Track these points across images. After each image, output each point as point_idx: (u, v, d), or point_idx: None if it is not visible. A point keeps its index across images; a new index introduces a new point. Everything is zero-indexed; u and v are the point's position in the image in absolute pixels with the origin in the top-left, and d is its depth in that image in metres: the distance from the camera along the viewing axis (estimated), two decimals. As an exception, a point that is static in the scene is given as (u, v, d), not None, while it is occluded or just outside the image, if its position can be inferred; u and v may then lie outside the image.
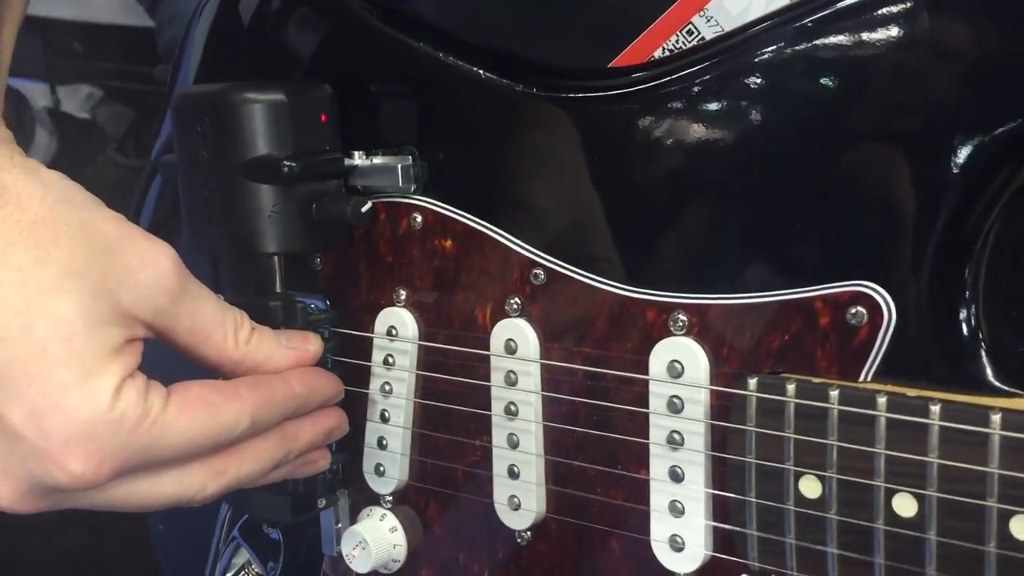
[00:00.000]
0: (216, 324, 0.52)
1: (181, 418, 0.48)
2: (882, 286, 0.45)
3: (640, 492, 0.53)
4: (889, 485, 0.44)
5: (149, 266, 0.48)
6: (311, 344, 0.57)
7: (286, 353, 0.55)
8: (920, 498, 0.43)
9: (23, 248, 0.46)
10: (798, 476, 0.47)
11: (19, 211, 0.46)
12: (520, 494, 0.58)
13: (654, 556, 0.53)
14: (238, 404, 0.51)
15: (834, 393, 0.45)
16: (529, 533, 0.58)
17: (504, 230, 0.57)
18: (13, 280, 0.45)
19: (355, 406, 0.63)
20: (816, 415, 0.46)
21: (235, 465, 0.52)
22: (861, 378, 0.46)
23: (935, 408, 0.43)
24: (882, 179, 0.45)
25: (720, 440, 0.50)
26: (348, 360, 0.64)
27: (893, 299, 0.45)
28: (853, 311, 0.46)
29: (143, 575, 0.84)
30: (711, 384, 0.50)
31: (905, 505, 0.44)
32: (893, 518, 0.44)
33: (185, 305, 0.50)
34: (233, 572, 0.76)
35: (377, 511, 0.65)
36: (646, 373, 0.52)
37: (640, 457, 0.53)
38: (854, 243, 0.46)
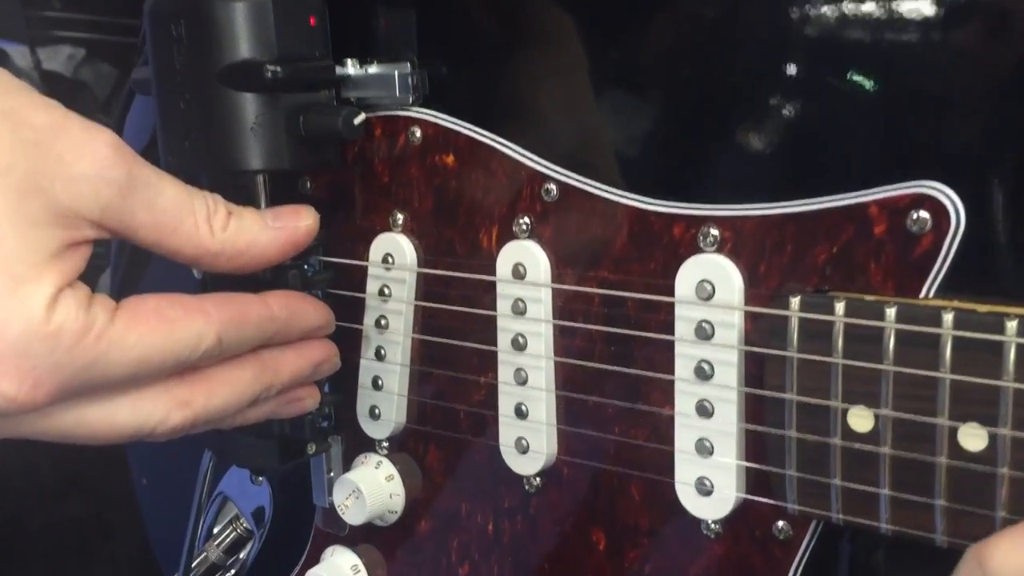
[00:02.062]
0: (183, 212, 0.45)
1: (130, 332, 0.43)
2: (950, 186, 0.39)
3: (663, 430, 0.47)
4: (954, 416, 0.38)
5: (87, 156, 0.42)
6: (303, 219, 0.50)
7: (273, 234, 0.49)
8: (992, 431, 0.38)
9: None
10: (846, 408, 0.41)
11: None
12: (528, 435, 0.52)
13: (678, 501, 0.47)
14: (201, 319, 0.45)
15: (891, 311, 0.39)
16: (538, 479, 0.53)
17: (512, 142, 0.51)
18: None
19: (348, 343, 0.57)
20: (869, 337, 0.40)
21: (204, 395, 0.47)
22: (922, 294, 0.40)
23: (1011, 324, 0.37)
24: (953, 58, 0.39)
25: (755, 369, 0.44)
26: (340, 292, 0.58)
27: (962, 201, 0.39)
28: (914, 216, 0.40)
29: (144, 544, 0.79)
30: (746, 306, 0.44)
31: (973, 438, 0.38)
32: (958, 453, 0.38)
33: (138, 196, 0.44)
34: (221, 527, 0.72)
35: (372, 458, 0.60)
36: (671, 296, 0.46)
37: (664, 391, 0.47)
38: (916, 137, 0.40)
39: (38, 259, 0.41)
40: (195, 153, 0.55)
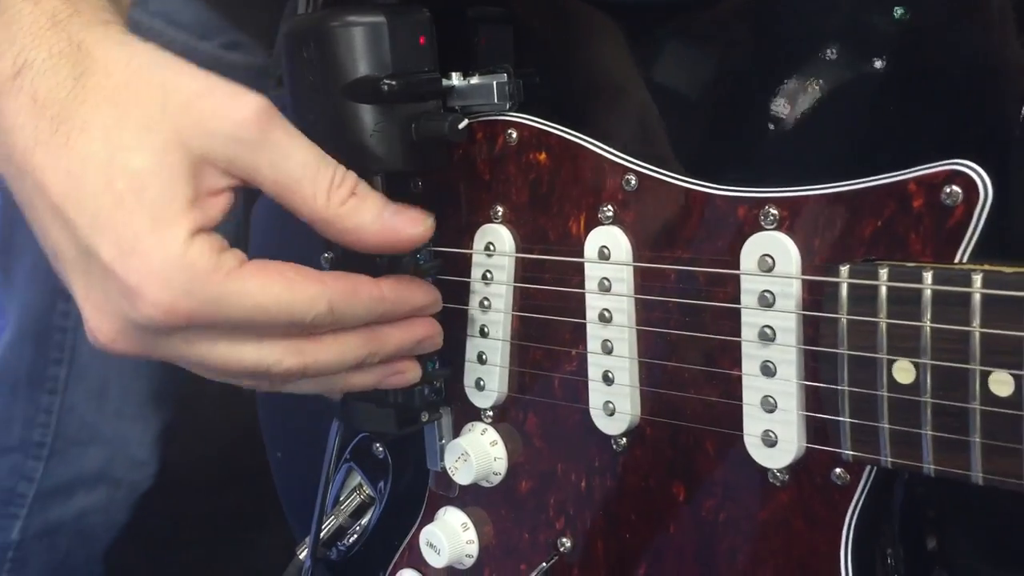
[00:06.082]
0: (305, 178, 0.52)
1: (254, 279, 0.50)
2: (977, 163, 0.44)
3: (732, 390, 0.53)
4: (985, 365, 0.43)
5: (223, 117, 0.50)
6: (414, 227, 0.55)
7: (380, 228, 0.54)
8: (1017, 377, 0.42)
9: (107, 109, 0.49)
10: (891, 362, 0.46)
11: (104, 78, 0.50)
12: (615, 399, 0.59)
13: (747, 453, 0.53)
14: (317, 286, 0.52)
15: (928, 274, 0.45)
16: (624, 440, 0.59)
17: (596, 140, 0.58)
18: (99, 138, 0.49)
19: (455, 323, 0.65)
20: (909, 298, 0.45)
21: (314, 347, 0.53)
22: (956, 259, 0.45)
23: (1033, 282, 0.42)
24: (977, 54, 0.44)
25: (812, 332, 0.50)
26: (448, 278, 0.66)
27: (989, 175, 0.44)
28: (948, 191, 0.45)
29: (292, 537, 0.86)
30: (802, 275, 0.50)
31: (1002, 384, 0.43)
32: (989, 398, 0.43)
33: (266, 155, 0.51)
34: (346, 494, 0.80)
35: (478, 426, 0.67)
36: (737, 270, 0.52)
37: (732, 354, 0.53)
38: (948, 121, 0.45)
39: (176, 206, 0.49)
40: (324, 157, 0.63)
